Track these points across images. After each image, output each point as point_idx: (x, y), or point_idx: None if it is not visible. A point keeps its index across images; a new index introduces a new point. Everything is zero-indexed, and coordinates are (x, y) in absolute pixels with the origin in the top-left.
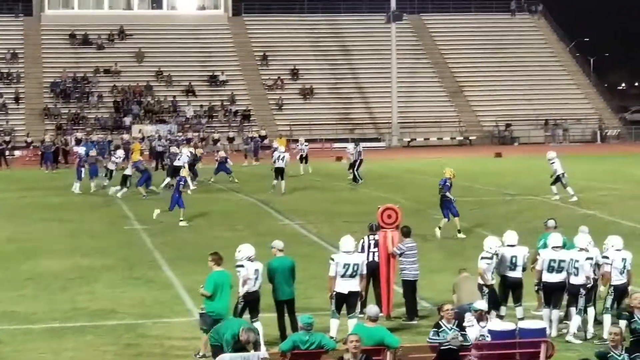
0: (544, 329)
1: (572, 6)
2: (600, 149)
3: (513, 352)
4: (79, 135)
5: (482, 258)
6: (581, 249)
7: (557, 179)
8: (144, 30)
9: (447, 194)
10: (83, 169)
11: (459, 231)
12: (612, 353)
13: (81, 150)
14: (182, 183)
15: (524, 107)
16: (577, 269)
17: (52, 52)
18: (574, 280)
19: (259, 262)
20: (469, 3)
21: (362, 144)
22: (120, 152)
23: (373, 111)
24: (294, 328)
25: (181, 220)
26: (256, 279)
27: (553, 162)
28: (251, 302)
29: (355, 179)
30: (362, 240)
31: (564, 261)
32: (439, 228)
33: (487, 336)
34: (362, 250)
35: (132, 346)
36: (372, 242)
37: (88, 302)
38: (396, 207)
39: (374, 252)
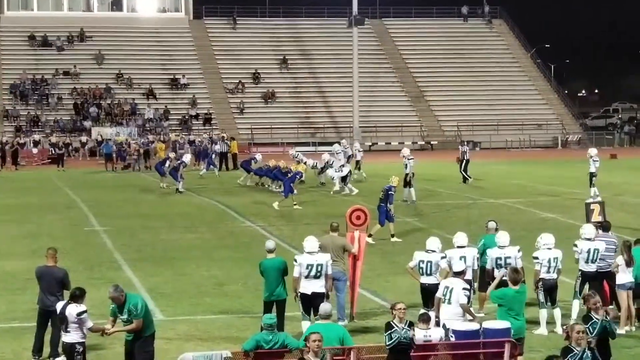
0: (508, 329)
1: (533, 13)
2: (561, 155)
3: (477, 352)
4: (37, 137)
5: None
6: None
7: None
8: (103, 33)
9: (389, 202)
10: None
11: (393, 235)
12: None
13: None
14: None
15: (485, 112)
16: None
17: (11, 53)
18: None
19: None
20: (431, 8)
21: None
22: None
23: (334, 115)
24: (281, 329)
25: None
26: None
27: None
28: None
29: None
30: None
31: (509, 258)
32: (370, 235)
33: (452, 336)
34: None
35: (93, 346)
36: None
37: None
38: (365, 208)
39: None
